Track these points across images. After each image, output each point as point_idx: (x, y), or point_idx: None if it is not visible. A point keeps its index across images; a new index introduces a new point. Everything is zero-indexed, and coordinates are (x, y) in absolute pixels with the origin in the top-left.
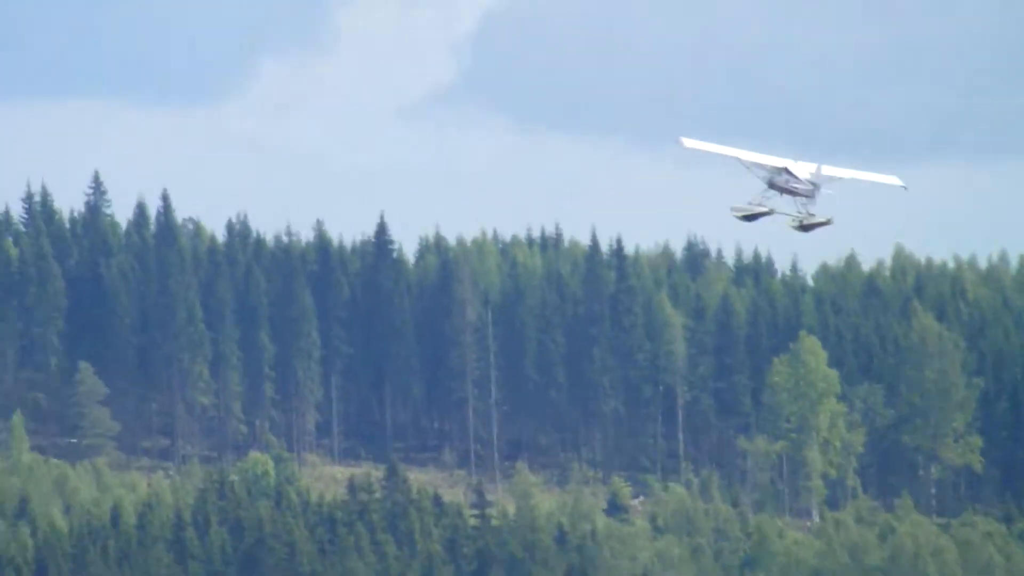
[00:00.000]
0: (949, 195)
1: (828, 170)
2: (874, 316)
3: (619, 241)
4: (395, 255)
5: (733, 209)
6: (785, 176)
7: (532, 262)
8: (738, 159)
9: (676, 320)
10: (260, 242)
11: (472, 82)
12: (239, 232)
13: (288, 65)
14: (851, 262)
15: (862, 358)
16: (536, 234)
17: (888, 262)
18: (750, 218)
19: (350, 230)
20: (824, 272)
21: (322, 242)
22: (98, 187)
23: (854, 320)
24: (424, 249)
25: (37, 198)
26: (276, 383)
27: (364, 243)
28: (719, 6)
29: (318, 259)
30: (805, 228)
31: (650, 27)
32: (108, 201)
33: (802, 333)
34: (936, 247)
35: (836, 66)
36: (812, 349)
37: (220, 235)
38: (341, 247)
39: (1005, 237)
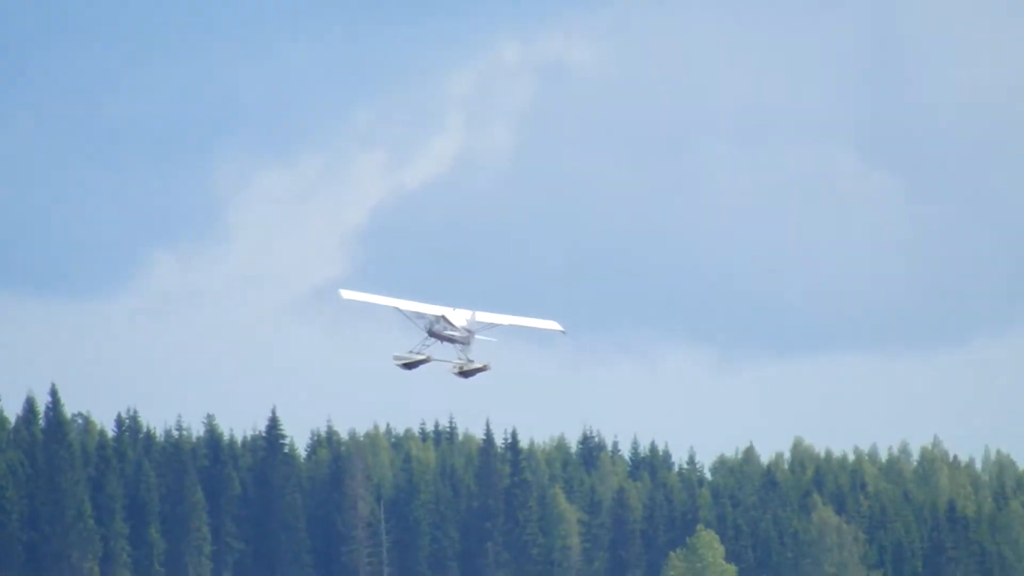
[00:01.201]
0: (849, 386)
1: (483, 316)
2: (772, 509)
3: (514, 434)
4: (286, 449)
5: (394, 358)
6: (443, 323)
7: (426, 456)
8: (397, 309)
9: (571, 514)
10: (150, 436)
11: (362, 275)
12: (129, 427)
13: (177, 258)
14: (750, 454)
15: (760, 552)
16: (430, 428)
17: (787, 454)
18: (410, 366)
19: (241, 424)
20: (722, 465)
21: (213, 436)
22: None
23: (752, 513)
24: (316, 443)
25: None
26: None
27: (255, 437)
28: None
29: (208, 454)
30: (465, 374)
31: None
32: None
33: (699, 527)
34: (836, 439)
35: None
36: (709, 543)
37: (110, 430)
38: (232, 441)
39: (905, 429)
